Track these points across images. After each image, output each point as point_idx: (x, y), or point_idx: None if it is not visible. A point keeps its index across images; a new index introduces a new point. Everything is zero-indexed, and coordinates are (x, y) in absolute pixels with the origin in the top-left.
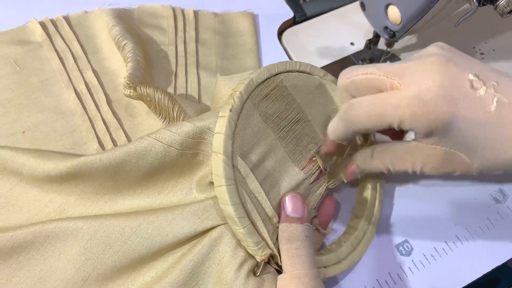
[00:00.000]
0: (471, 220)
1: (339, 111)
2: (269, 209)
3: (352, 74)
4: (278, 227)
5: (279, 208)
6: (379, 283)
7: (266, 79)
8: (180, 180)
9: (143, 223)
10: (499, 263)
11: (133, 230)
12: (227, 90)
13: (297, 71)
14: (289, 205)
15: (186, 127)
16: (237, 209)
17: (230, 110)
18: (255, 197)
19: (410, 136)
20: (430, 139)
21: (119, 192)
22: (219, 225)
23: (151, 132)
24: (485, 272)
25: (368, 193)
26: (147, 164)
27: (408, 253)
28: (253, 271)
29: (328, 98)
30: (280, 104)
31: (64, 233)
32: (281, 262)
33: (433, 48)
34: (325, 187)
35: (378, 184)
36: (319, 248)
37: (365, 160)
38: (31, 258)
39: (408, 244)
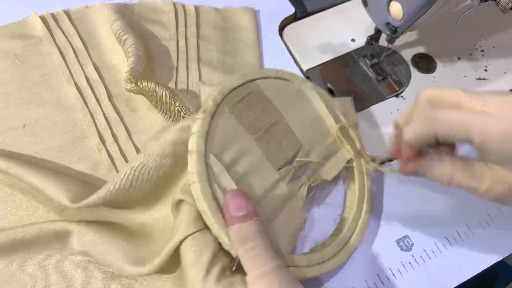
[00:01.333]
0: (471, 216)
1: (422, 115)
2: None
3: (437, 90)
4: None
5: (222, 212)
6: (380, 278)
7: (241, 84)
8: (172, 192)
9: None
10: (499, 259)
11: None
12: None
13: (274, 78)
14: (232, 204)
15: (171, 136)
16: (210, 204)
17: (203, 112)
18: None
19: None
20: (504, 167)
21: (120, 208)
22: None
23: (151, 126)
24: (485, 267)
25: (355, 194)
26: (144, 180)
27: (409, 248)
28: (229, 267)
29: (308, 103)
30: (257, 108)
31: (68, 236)
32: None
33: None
34: (306, 186)
35: (366, 185)
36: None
37: (434, 160)
38: (35, 255)
39: (408, 240)
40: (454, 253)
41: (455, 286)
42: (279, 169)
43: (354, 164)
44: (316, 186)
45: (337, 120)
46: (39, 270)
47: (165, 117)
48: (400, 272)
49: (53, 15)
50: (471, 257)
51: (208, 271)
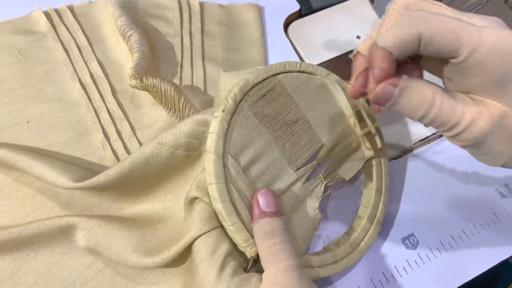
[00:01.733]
0: (477, 215)
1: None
2: None
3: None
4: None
5: (251, 207)
6: (385, 276)
7: (263, 80)
8: (184, 184)
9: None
10: (505, 257)
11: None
12: (230, 86)
13: (297, 71)
14: (263, 200)
15: (187, 128)
16: (226, 206)
17: (223, 111)
18: (246, 196)
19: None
20: (490, 90)
21: (125, 200)
22: (201, 235)
23: (155, 122)
24: (491, 266)
25: (372, 194)
26: (153, 169)
27: (414, 247)
28: (244, 268)
29: (331, 98)
30: (277, 105)
31: (73, 230)
32: (260, 261)
33: (498, 20)
34: (322, 186)
35: (383, 185)
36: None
37: (414, 80)
38: (39, 251)
39: (414, 238)
40: (460, 251)
41: (460, 284)
42: (297, 169)
43: (374, 163)
44: (333, 185)
45: (360, 117)
46: (43, 267)
47: (170, 113)
48: (406, 270)
49: (57, 11)
50: (477, 255)
51: (222, 267)
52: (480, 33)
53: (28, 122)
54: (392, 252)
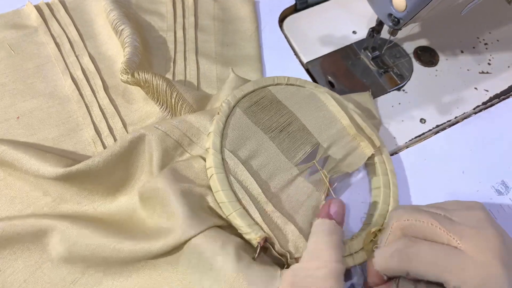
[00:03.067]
0: None
1: (395, 247)
2: (262, 198)
3: (412, 217)
4: (273, 214)
5: (322, 206)
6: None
7: (253, 90)
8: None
9: (127, 238)
10: None
11: (120, 240)
12: (234, 85)
13: (285, 84)
14: (334, 208)
15: (186, 125)
16: (227, 194)
17: (218, 113)
18: (247, 187)
19: None
20: None
21: (113, 192)
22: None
23: (147, 118)
24: None
25: (381, 191)
26: (141, 150)
27: None
28: (252, 258)
29: (321, 105)
30: (270, 110)
31: (52, 232)
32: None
33: (481, 213)
34: (327, 180)
35: (390, 182)
36: None
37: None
38: (25, 249)
39: None
40: None
41: None
42: (297, 165)
43: (376, 160)
44: (338, 178)
45: (352, 119)
46: (30, 267)
47: (162, 108)
48: None
49: (48, 5)
50: None
51: (238, 258)
52: (466, 273)
53: (18, 117)
54: None
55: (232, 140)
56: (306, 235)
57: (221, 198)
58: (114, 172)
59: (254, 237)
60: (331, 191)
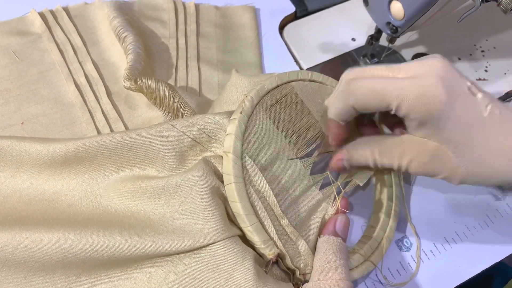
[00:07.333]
0: (470, 217)
1: (338, 89)
2: (277, 210)
3: (359, 71)
4: (288, 228)
5: (328, 221)
6: (378, 278)
7: (277, 86)
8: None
9: (137, 234)
10: (498, 260)
11: (124, 238)
12: (242, 88)
13: (308, 80)
14: (341, 225)
15: (204, 121)
16: (244, 206)
17: (241, 113)
18: (264, 197)
19: None
20: (423, 130)
21: (121, 180)
22: (219, 241)
23: (150, 123)
24: (484, 268)
25: (384, 203)
26: (157, 148)
27: (408, 249)
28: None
29: None
30: (291, 110)
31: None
32: (310, 269)
33: (435, 55)
34: (342, 193)
35: (394, 195)
36: None
37: (355, 147)
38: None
39: (407, 240)
40: (453, 253)
41: (454, 286)
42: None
43: (385, 173)
44: (348, 191)
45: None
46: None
47: (164, 114)
48: (399, 273)
49: (52, 12)
50: (470, 258)
51: (257, 272)
52: (403, 88)
53: (22, 123)
54: (386, 254)
55: (253, 145)
56: (313, 249)
57: (237, 210)
58: (124, 156)
59: (268, 252)
60: (339, 204)
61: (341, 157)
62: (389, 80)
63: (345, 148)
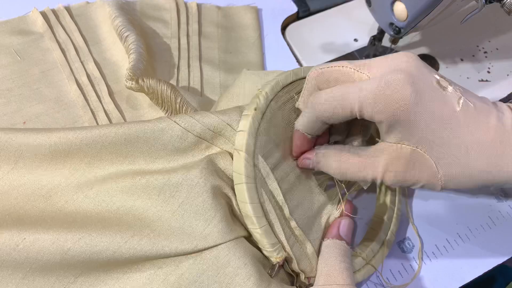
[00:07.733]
0: (472, 219)
1: (302, 99)
2: (287, 211)
3: (324, 66)
4: (295, 230)
5: (332, 224)
6: (380, 280)
7: (291, 82)
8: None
9: (136, 235)
10: (501, 262)
11: (124, 240)
12: (251, 84)
13: None
14: (345, 228)
15: (208, 118)
16: (255, 208)
17: (255, 109)
18: (274, 198)
19: None
20: (394, 133)
21: (120, 174)
22: (222, 243)
23: None
24: (486, 270)
25: (387, 206)
26: (160, 145)
27: (410, 250)
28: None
29: None
30: None
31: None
32: (315, 273)
33: (401, 51)
34: (346, 194)
35: (397, 199)
36: None
37: (325, 155)
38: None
39: (409, 241)
40: (456, 255)
41: None
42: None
43: None
44: (353, 194)
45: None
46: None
47: (167, 114)
48: (401, 274)
49: (54, 11)
50: (473, 259)
51: (261, 276)
52: (362, 91)
53: (24, 122)
54: (388, 255)
55: (266, 143)
56: (318, 252)
57: (247, 211)
58: (128, 151)
59: (276, 256)
60: (343, 207)
61: (309, 157)
62: (348, 83)
63: (317, 151)
